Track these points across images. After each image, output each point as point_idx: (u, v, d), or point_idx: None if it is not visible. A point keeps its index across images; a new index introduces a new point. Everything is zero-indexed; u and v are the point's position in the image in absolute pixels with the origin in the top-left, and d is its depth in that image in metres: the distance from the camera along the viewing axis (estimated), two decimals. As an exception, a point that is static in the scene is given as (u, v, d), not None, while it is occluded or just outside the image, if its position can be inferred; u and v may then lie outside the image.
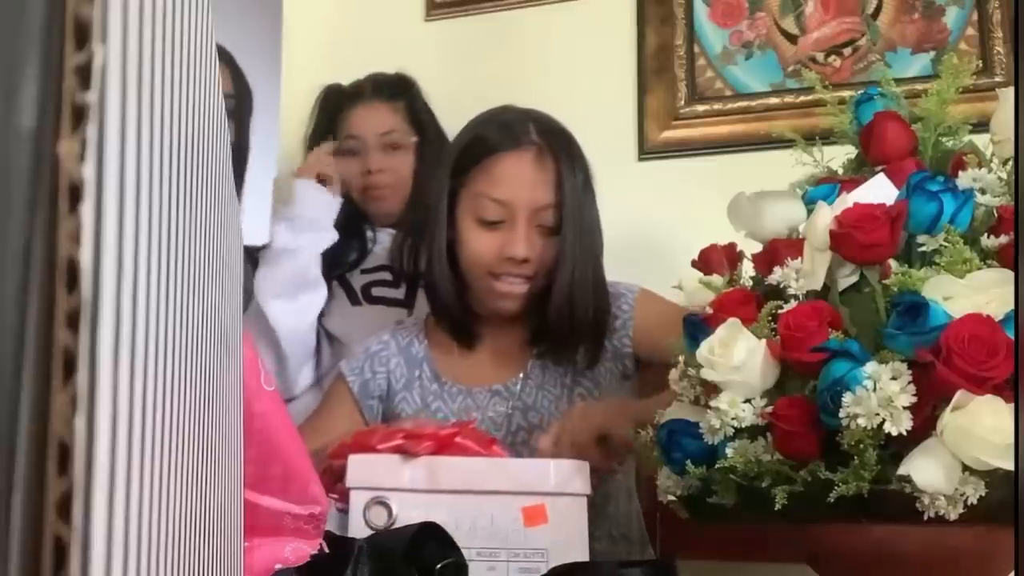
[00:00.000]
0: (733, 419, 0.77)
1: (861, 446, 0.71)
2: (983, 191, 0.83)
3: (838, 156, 0.96)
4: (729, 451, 0.77)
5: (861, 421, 0.70)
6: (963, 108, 0.93)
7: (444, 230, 1.29)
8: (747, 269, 0.92)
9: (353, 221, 1.65)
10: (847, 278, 0.79)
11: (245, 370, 0.60)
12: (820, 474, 0.73)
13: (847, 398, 0.71)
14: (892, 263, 0.79)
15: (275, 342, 1.51)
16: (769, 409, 0.76)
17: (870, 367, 0.71)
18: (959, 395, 0.68)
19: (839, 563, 0.80)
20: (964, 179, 0.83)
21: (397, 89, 1.68)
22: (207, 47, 0.40)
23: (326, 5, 2.01)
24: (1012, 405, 0.67)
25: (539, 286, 1.27)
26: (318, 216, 1.56)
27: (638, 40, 1.82)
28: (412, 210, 1.61)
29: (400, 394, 1.34)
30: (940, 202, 0.78)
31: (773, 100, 1.73)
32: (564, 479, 0.97)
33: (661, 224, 1.52)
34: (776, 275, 0.83)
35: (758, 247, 0.90)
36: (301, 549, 0.67)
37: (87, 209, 0.23)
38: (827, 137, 0.97)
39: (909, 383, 0.70)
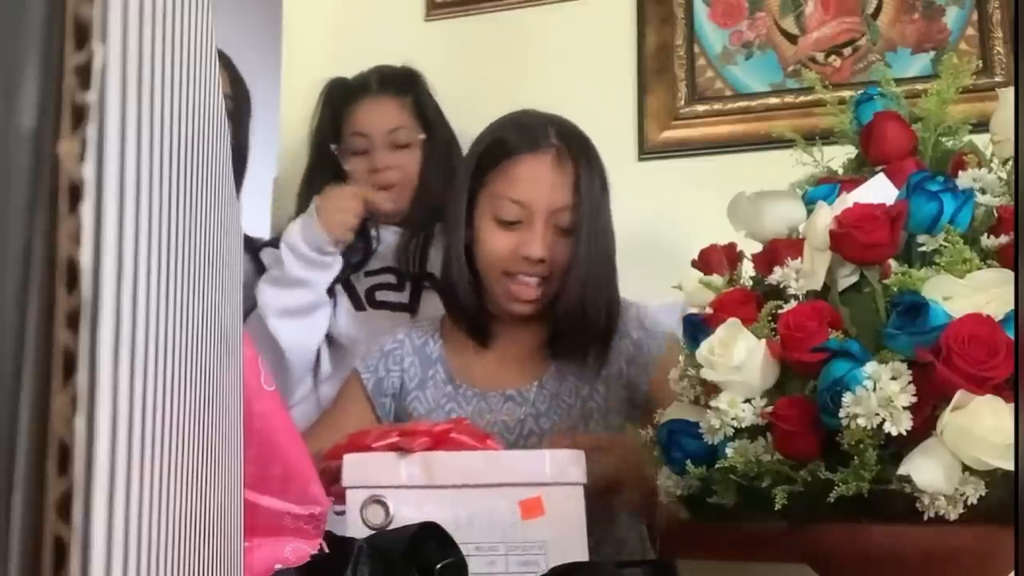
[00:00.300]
0: (733, 419, 0.77)
1: (861, 446, 0.71)
2: (983, 191, 0.83)
3: (838, 156, 0.96)
4: (729, 451, 0.77)
5: (861, 421, 0.70)
6: (963, 108, 0.93)
7: (463, 230, 1.30)
8: (747, 269, 0.92)
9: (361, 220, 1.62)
10: (847, 278, 0.79)
11: (245, 370, 0.60)
12: (820, 474, 0.73)
13: (847, 398, 0.71)
14: (892, 263, 0.79)
15: (279, 355, 1.50)
16: (769, 409, 0.76)
17: (870, 367, 0.71)
18: (959, 395, 0.68)
19: (839, 563, 0.80)
20: (964, 179, 0.83)
21: (404, 84, 1.65)
22: (207, 47, 0.40)
23: (327, 5, 2.01)
24: (1012, 405, 0.67)
25: (554, 288, 1.29)
26: (332, 262, 1.54)
27: (638, 40, 1.82)
28: (419, 208, 1.60)
29: (413, 393, 1.35)
30: (940, 202, 0.78)
31: (773, 100, 1.73)
32: (560, 469, 0.97)
33: (661, 224, 1.53)
34: (776, 275, 0.83)
35: (758, 247, 0.90)
36: (301, 549, 0.67)
37: (87, 209, 0.23)
38: (827, 137, 0.97)
39: (909, 383, 0.70)
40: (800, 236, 0.86)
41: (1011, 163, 0.84)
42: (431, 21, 1.94)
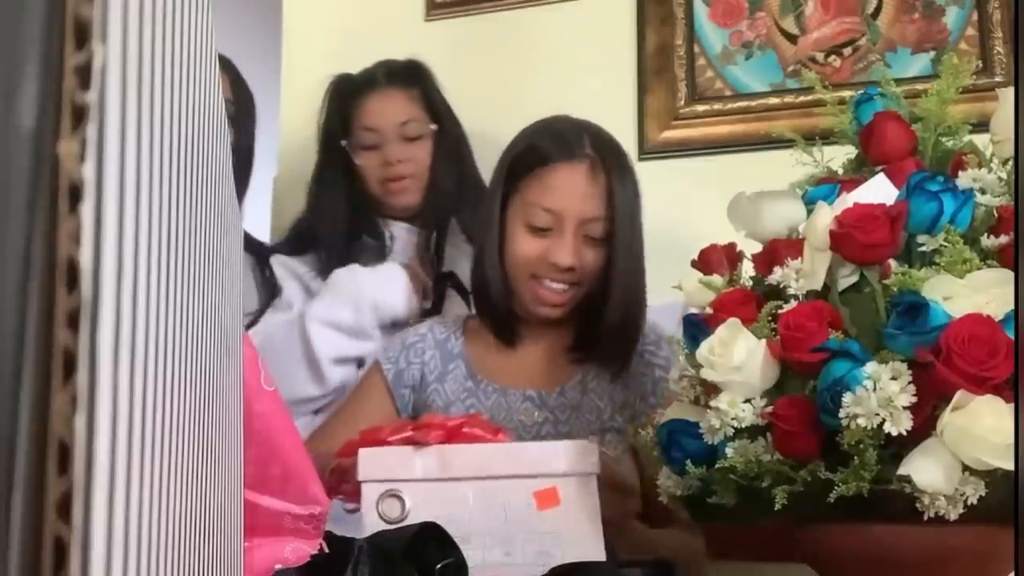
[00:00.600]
0: (733, 419, 0.77)
1: (861, 446, 0.71)
2: (983, 191, 0.83)
3: (838, 156, 0.96)
4: (729, 451, 0.77)
5: (861, 421, 0.70)
6: (963, 108, 0.93)
7: (497, 233, 1.32)
8: (747, 269, 0.92)
9: (371, 220, 1.61)
10: (847, 278, 0.79)
11: (245, 370, 0.60)
12: (820, 474, 0.73)
13: (847, 398, 0.71)
14: (892, 263, 0.79)
15: (315, 362, 1.49)
16: (769, 409, 0.76)
17: (870, 367, 0.71)
18: (959, 395, 0.68)
19: (839, 563, 0.80)
20: (964, 179, 0.83)
21: (411, 76, 1.64)
22: (207, 47, 0.40)
23: (327, 5, 2.01)
24: (1012, 405, 0.67)
25: (583, 295, 1.30)
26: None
27: (638, 40, 1.82)
28: (430, 202, 1.59)
29: (432, 385, 1.35)
30: (940, 202, 0.78)
31: (773, 100, 1.73)
32: (573, 459, 0.98)
33: (661, 224, 1.52)
34: (776, 275, 0.83)
35: (758, 247, 0.90)
36: (301, 549, 0.67)
37: (87, 209, 0.23)
38: (827, 137, 0.97)
39: (909, 383, 0.70)
40: (800, 236, 0.86)
41: (1011, 163, 0.84)
42: (431, 21, 1.94)
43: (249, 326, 1.51)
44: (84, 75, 0.23)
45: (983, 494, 0.69)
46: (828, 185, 0.88)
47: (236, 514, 0.52)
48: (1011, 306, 0.71)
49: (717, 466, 0.78)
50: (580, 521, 0.96)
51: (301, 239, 1.64)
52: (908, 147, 0.88)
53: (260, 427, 0.64)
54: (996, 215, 0.81)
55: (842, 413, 0.71)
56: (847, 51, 1.71)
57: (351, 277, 1.51)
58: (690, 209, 1.60)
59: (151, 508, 0.28)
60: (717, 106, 1.76)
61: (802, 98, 1.67)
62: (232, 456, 0.49)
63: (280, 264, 1.60)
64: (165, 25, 0.30)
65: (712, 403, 0.78)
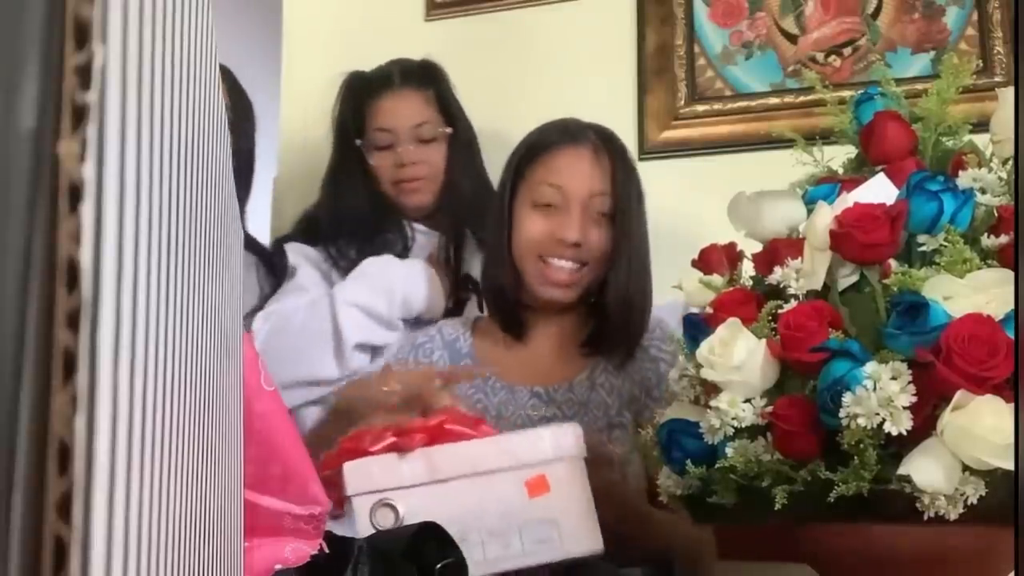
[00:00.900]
0: (733, 419, 0.77)
1: (861, 446, 0.71)
2: (983, 191, 0.83)
3: (838, 156, 0.96)
4: (729, 451, 0.77)
5: (861, 421, 0.70)
6: (963, 108, 0.93)
7: (506, 222, 1.34)
8: (747, 269, 0.92)
9: (390, 218, 1.60)
10: (847, 278, 0.79)
11: (245, 370, 0.60)
12: (820, 474, 0.73)
13: (847, 398, 0.71)
14: (892, 263, 0.79)
15: (340, 343, 1.49)
16: (769, 409, 0.76)
17: (870, 367, 0.71)
18: (959, 395, 0.68)
19: (839, 563, 0.80)
20: (964, 179, 0.83)
21: (426, 77, 1.63)
22: (207, 47, 0.40)
23: (327, 5, 2.01)
24: (1012, 405, 0.67)
25: (592, 276, 1.31)
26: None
27: (638, 40, 1.81)
28: (445, 203, 1.59)
29: None
30: (940, 202, 0.78)
31: (773, 100, 1.72)
32: (558, 445, 0.99)
33: (661, 224, 1.52)
34: (776, 275, 0.83)
35: (758, 247, 0.90)
36: (301, 549, 0.67)
37: (87, 209, 0.23)
38: (827, 137, 0.97)
39: (909, 383, 0.70)
40: (800, 236, 0.86)
41: (1011, 163, 0.84)
42: (431, 21, 1.94)
43: (256, 311, 1.51)
44: (84, 75, 0.23)
45: (983, 494, 0.69)
46: (828, 185, 0.88)
47: (236, 514, 0.52)
48: (1011, 306, 0.71)
49: (717, 466, 0.78)
50: (572, 504, 0.97)
51: (313, 229, 1.63)
52: (908, 147, 0.88)
53: (260, 427, 0.64)
54: (996, 215, 0.81)
55: (842, 413, 0.71)
56: (847, 51, 1.71)
57: (385, 267, 1.52)
58: (690, 209, 1.60)
59: (151, 508, 0.28)
60: (717, 106, 1.75)
61: (802, 98, 1.67)
62: (232, 456, 0.49)
63: (295, 251, 1.60)
64: (165, 25, 0.30)
65: (712, 403, 0.78)
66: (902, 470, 0.70)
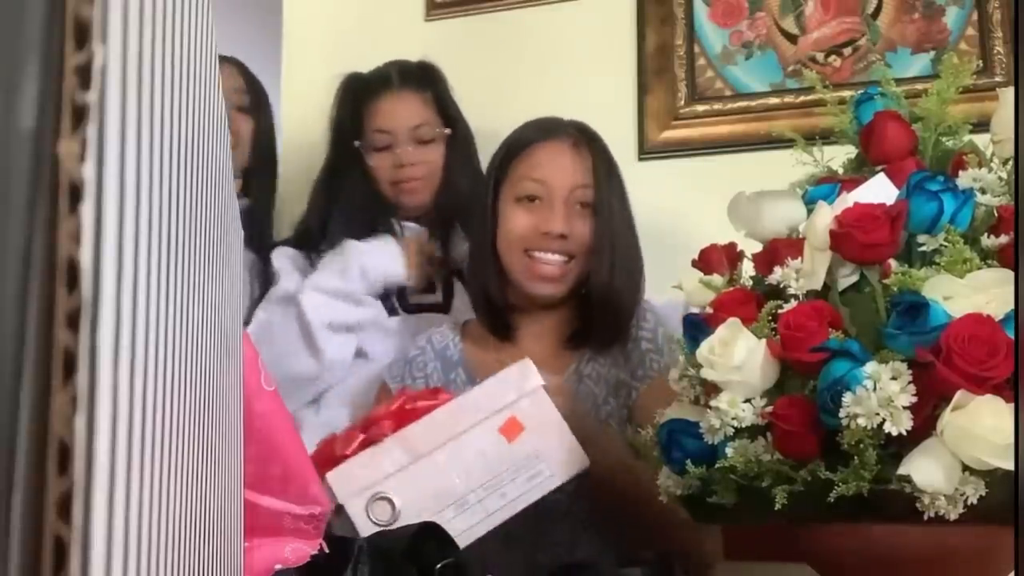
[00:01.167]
0: (733, 419, 0.77)
1: (861, 446, 0.71)
2: (983, 191, 0.83)
3: (838, 156, 0.96)
4: (729, 451, 0.77)
5: (861, 421, 0.70)
6: (963, 108, 0.93)
7: (490, 220, 1.35)
8: (747, 269, 0.92)
9: (384, 217, 1.61)
10: (847, 278, 0.79)
11: (245, 370, 0.60)
12: (820, 474, 0.73)
13: (847, 398, 0.71)
14: (892, 263, 0.78)
15: (307, 330, 1.49)
16: (769, 409, 0.76)
17: (870, 367, 0.71)
18: (959, 395, 0.68)
19: (839, 563, 0.80)
20: (964, 179, 0.83)
21: (424, 78, 1.64)
22: (207, 47, 0.40)
23: (327, 5, 2.01)
24: (1012, 405, 0.67)
25: (579, 269, 1.32)
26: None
27: (638, 40, 1.81)
28: (440, 202, 1.59)
29: None
30: (940, 202, 0.78)
31: (773, 100, 1.72)
32: (517, 384, 1.02)
33: (661, 224, 1.52)
34: (776, 275, 0.83)
35: (758, 247, 0.90)
36: (301, 549, 0.67)
37: (87, 209, 0.23)
38: (827, 137, 0.97)
39: (909, 383, 0.70)
40: (800, 236, 0.86)
41: (1011, 163, 0.84)
42: (431, 21, 1.94)
43: (245, 322, 1.51)
44: (84, 75, 0.23)
45: (983, 494, 0.69)
46: (828, 185, 0.88)
47: (236, 514, 0.52)
48: (1011, 306, 0.71)
49: (717, 466, 0.78)
50: (550, 433, 1.01)
51: (306, 235, 1.64)
52: (908, 147, 0.88)
53: (260, 427, 0.64)
54: (996, 215, 0.81)
55: (842, 413, 0.71)
56: (847, 51, 1.71)
57: (342, 248, 1.54)
58: (690, 209, 1.60)
59: (151, 508, 0.28)
60: (717, 106, 1.75)
61: (802, 98, 1.67)
62: (232, 456, 0.49)
63: (284, 256, 1.60)
64: (165, 25, 0.30)
65: (712, 403, 0.78)
66: (902, 470, 0.70)
